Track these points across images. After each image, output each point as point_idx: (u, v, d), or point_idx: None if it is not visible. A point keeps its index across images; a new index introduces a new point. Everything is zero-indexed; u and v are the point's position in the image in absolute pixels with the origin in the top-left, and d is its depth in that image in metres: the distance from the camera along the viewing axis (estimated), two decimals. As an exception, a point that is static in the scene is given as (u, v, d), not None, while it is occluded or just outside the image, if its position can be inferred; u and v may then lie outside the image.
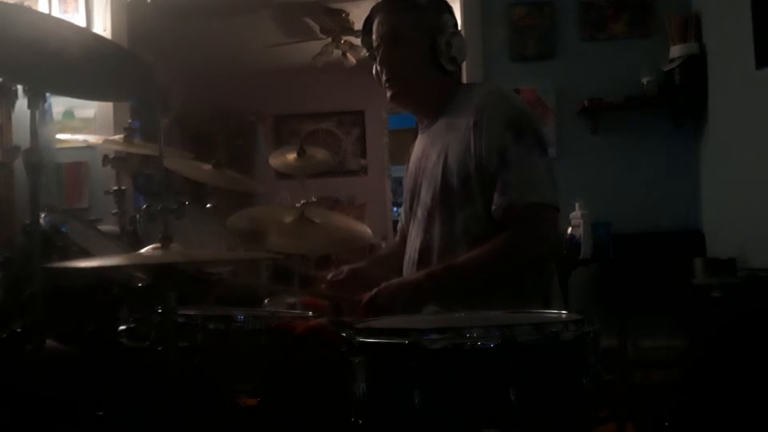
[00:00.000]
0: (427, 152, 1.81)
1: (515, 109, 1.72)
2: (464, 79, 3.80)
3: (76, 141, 3.65)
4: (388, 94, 1.83)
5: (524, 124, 1.68)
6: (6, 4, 1.39)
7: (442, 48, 1.75)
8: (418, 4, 1.78)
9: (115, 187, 2.39)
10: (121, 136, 2.45)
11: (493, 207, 1.65)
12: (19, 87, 1.53)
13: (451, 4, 1.88)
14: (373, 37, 1.84)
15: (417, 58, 1.78)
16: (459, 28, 1.89)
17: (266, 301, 2.19)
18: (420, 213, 1.81)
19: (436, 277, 1.68)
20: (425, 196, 1.79)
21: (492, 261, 1.64)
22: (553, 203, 1.66)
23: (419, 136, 1.90)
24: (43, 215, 1.84)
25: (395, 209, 7.54)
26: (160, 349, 1.51)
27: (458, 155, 1.71)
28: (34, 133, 1.51)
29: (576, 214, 3.43)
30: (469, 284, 1.66)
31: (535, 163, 1.66)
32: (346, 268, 1.95)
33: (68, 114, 4.00)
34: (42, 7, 3.95)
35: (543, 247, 1.67)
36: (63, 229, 1.89)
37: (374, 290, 1.68)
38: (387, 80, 1.81)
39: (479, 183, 1.68)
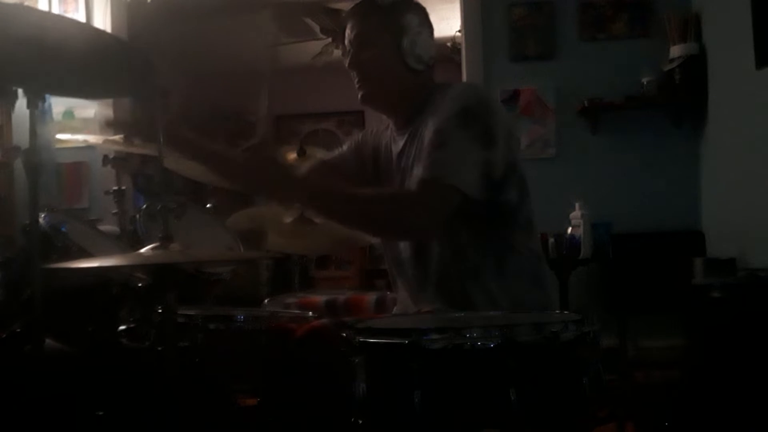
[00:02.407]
0: (406, 151, 1.83)
1: (471, 98, 1.73)
2: (464, 79, 3.83)
3: (76, 141, 3.65)
4: (359, 95, 1.87)
5: (474, 111, 1.69)
6: (6, 3, 1.39)
7: (406, 47, 1.79)
8: (381, 7, 1.82)
9: (115, 187, 2.39)
10: (121, 136, 2.45)
11: (413, 178, 1.66)
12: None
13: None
14: (345, 42, 1.89)
15: (384, 59, 1.82)
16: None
17: (266, 301, 2.19)
18: None
19: (310, 187, 1.72)
20: None
21: (368, 205, 1.66)
22: (470, 193, 1.64)
23: (394, 136, 1.90)
24: (43, 215, 1.84)
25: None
26: (160, 349, 1.51)
27: None
28: (33, 133, 1.51)
29: (576, 214, 3.43)
30: (340, 211, 1.70)
31: (468, 151, 1.66)
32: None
33: (68, 114, 4.00)
34: (42, 7, 3.95)
35: (426, 225, 1.66)
36: (63, 229, 1.89)
37: (263, 145, 1.73)
38: (357, 82, 1.86)
39: None
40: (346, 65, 1.87)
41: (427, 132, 1.71)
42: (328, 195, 1.70)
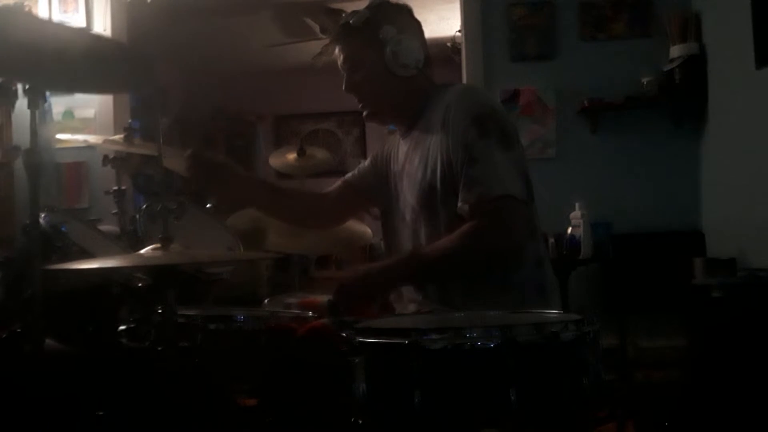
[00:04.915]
0: (410, 156, 1.85)
1: (480, 105, 1.76)
2: (464, 79, 3.82)
3: (76, 141, 3.65)
4: (364, 114, 1.91)
5: (488, 119, 1.71)
6: (5, 5, 1.39)
7: (390, 60, 1.81)
8: (357, 28, 1.84)
9: (115, 187, 2.39)
10: (121, 136, 2.44)
11: (460, 203, 1.68)
12: (19, 87, 1.53)
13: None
14: (339, 67, 1.94)
15: (373, 76, 1.84)
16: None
17: (266, 301, 2.19)
18: (408, 216, 1.85)
19: (402, 266, 1.76)
20: (411, 199, 1.82)
21: (456, 251, 1.66)
22: (519, 195, 1.67)
23: (400, 141, 1.92)
24: (43, 215, 1.84)
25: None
26: (160, 349, 1.51)
27: (435, 155, 1.75)
28: (33, 133, 1.51)
29: (576, 214, 3.43)
30: (434, 273, 1.72)
31: (499, 157, 1.68)
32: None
33: (68, 114, 4.00)
34: (42, 7, 3.95)
35: (508, 238, 1.68)
36: (63, 229, 1.88)
37: (340, 282, 1.75)
38: (358, 103, 1.90)
39: (454, 180, 1.71)
40: (344, 90, 1.90)
41: (441, 143, 1.72)
42: (425, 268, 1.71)
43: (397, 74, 1.82)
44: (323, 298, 2.05)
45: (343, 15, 1.94)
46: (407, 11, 1.89)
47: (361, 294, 1.74)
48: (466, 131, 1.68)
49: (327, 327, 1.59)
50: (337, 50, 1.91)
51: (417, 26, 1.89)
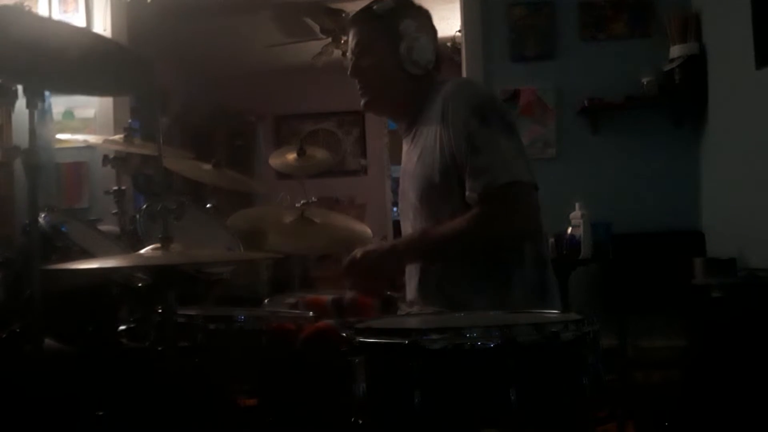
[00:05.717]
0: (410, 154, 1.85)
1: (477, 95, 1.77)
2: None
3: (76, 141, 3.65)
4: (362, 102, 1.91)
5: (487, 108, 1.72)
6: (5, 5, 1.39)
7: (404, 54, 1.81)
8: (379, 14, 1.84)
9: (115, 187, 2.39)
10: (121, 136, 2.45)
11: (468, 192, 1.68)
12: (19, 87, 1.53)
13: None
14: (348, 52, 1.93)
15: (383, 66, 1.84)
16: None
17: (266, 301, 2.19)
18: (411, 214, 1.85)
19: (411, 243, 1.78)
20: (412, 196, 1.83)
21: (466, 232, 1.67)
22: (526, 179, 1.68)
23: (403, 141, 1.93)
24: (43, 215, 1.84)
25: (395, 209, 7.54)
26: (160, 349, 1.51)
27: (434, 151, 1.75)
28: (32, 133, 1.51)
29: (576, 214, 3.43)
30: (443, 253, 1.73)
31: (503, 144, 1.68)
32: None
33: (68, 114, 4.00)
34: (42, 7, 3.95)
35: (518, 221, 1.68)
36: (63, 229, 1.88)
37: (351, 256, 1.76)
38: (359, 90, 1.90)
39: (456, 173, 1.71)
40: (348, 74, 1.89)
41: (439, 137, 1.73)
42: (434, 246, 1.72)
43: (406, 69, 1.82)
44: (325, 298, 2.05)
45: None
46: (427, 15, 1.91)
47: (372, 270, 1.74)
48: (467, 122, 1.69)
49: (332, 328, 1.59)
50: (350, 34, 1.91)
51: (434, 32, 1.91)
